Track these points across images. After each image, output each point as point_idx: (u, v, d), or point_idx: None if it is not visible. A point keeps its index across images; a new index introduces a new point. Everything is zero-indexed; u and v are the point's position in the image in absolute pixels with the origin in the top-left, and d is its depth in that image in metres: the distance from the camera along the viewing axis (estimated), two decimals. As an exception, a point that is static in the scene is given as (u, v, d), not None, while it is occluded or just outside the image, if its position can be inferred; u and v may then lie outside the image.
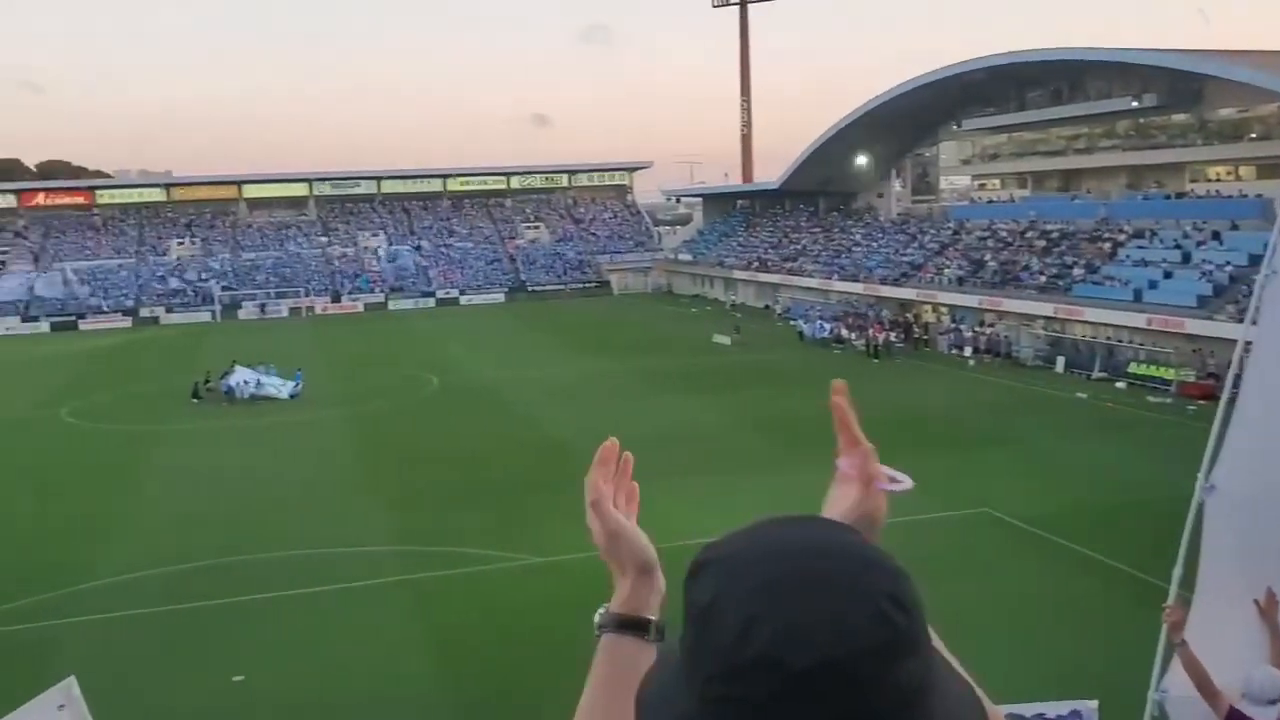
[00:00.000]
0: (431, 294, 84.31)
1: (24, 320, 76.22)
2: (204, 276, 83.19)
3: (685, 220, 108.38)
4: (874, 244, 66.86)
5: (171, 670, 16.98)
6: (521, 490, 27.00)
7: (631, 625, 1.53)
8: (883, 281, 59.79)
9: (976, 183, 70.68)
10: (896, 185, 75.28)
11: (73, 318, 76.95)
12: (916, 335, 53.02)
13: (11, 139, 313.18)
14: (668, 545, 1.83)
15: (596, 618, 1.52)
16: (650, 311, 73.12)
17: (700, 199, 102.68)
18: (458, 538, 23.17)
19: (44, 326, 75.70)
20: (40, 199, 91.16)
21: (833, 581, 1.03)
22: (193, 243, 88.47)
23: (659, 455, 30.28)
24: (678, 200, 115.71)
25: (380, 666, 16.95)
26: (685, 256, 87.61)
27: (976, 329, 50.11)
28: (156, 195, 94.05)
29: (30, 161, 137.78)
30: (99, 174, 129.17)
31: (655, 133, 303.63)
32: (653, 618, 1.53)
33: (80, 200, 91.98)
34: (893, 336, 51.43)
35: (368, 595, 20.14)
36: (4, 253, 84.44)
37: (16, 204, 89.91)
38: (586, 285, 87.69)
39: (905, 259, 61.54)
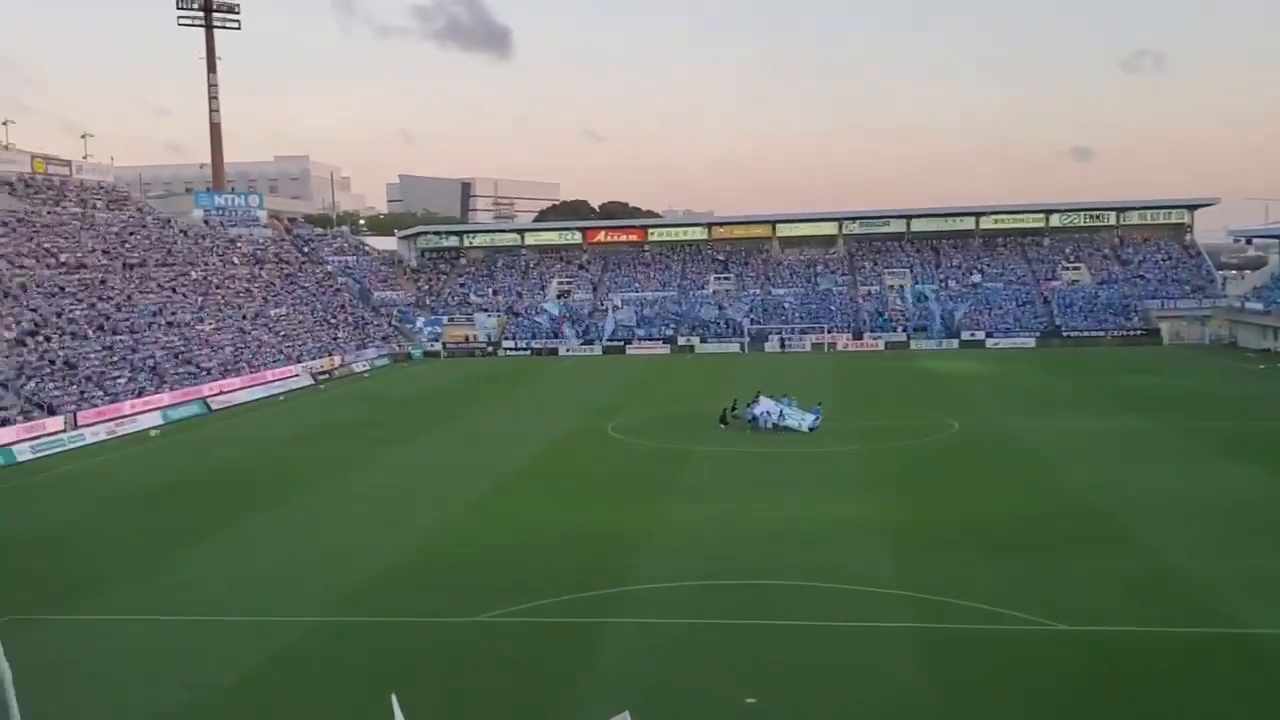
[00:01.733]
0: (955, 335, 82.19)
1: (583, 343, 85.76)
2: (735, 310, 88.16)
3: (1257, 264, 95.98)
4: None
5: (693, 682, 17.57)
6: (1045, 550, 24.97)
7: None
8: None
9: None
10: None
11: (621, 343, 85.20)
12: None
13: (581, 182, 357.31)
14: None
15: None
16: (1207, 365, 65.34)
17: (1277, 240, 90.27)
18: (972, 590, 21.85)
19: (597, 349, 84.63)
20: (601, 236, 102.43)
21: None
22: (728, 278, 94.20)
23: (1223, 532, 26.59)
24: (1248, 242, 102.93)
25: (887, 712, 16.26)
26: (1255, 305, 77.27)
27: None
28: (699, 234, 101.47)
29: (595, 202, 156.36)
30: (650, 214, 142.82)
31: (1220, 167, 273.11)
32: None
33: (634, 238, 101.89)
34: None
35: (876, 636, 19.56)
36: (570, 282, 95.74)
37: (582, 240, 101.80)
38: (1130, 333, 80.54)
39: None
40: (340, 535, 28.40)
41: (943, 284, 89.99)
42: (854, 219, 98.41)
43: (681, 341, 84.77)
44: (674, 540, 26.74)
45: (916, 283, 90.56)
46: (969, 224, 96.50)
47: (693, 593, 22.33)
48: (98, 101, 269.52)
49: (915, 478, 33.69)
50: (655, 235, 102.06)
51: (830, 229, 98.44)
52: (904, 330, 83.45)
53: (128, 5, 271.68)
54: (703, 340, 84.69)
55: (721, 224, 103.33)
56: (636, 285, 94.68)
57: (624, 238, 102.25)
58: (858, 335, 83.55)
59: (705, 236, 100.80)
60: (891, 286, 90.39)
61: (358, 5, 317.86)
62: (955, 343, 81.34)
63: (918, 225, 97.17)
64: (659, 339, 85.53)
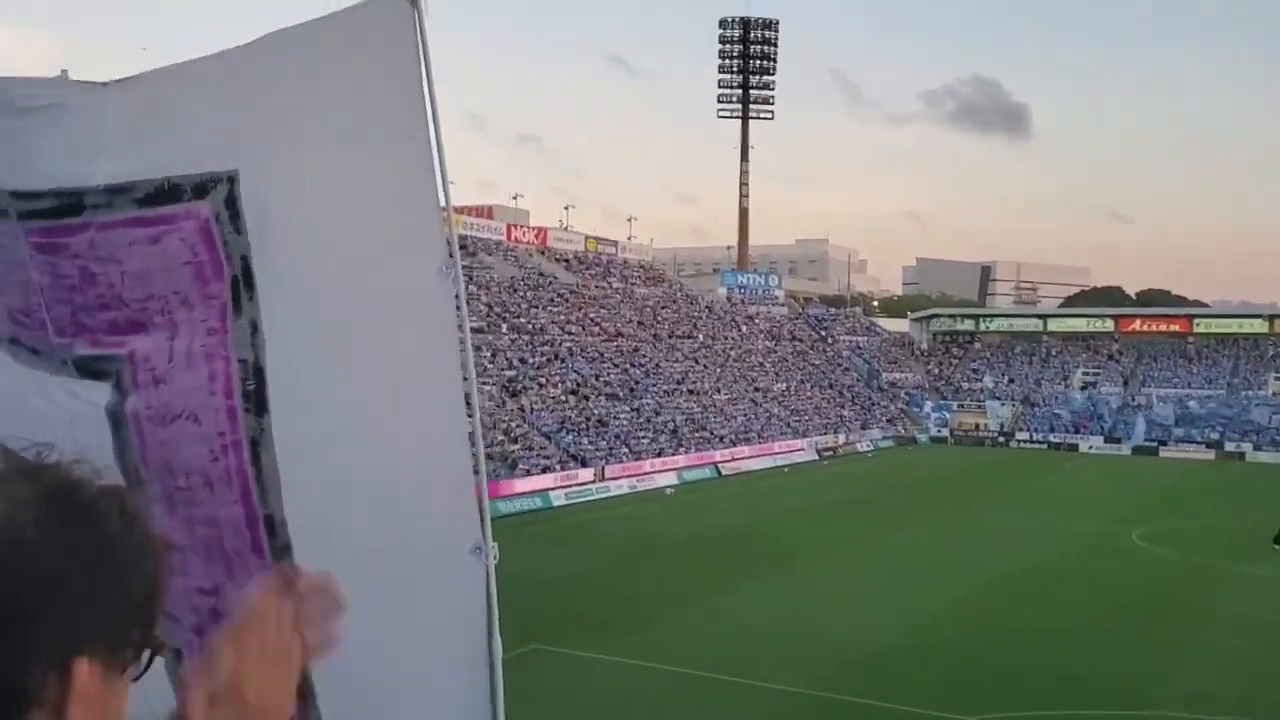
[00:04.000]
0: None
1: (1107, 440, 78.64)
2: (1300, 415, 76.24)
3: None
4: None
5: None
6: None
7: None
8: None
9: None
10: None
11: (1154, 444, 76.90)
12: None
13: (1114, 267, 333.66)
14: None
15: None
16: None
17: None
18: None
19: (1124, 449, 77.04)
20: (1136, 325, 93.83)
21: None
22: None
23: None
24: None
25: None
26: None
27: None
28: (1258, 326, 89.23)
29: (1131, 289, 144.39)
30: (1196, 303, 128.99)
31: None
32: None
33: (1176, 328, 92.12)
34: None
35: None
36: (1096, 373, 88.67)
37: (1113, 328, 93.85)
38: None
39: None
40: (832, 610, 27.89)
41: None
42: None
43: (1229, 447, 74.63)
44: (1203, 667, 23.09)
45: None
46: None
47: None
48: (632, 189, 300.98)
49: None
50: (1202, 326, 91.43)
51: None
52: None
53: (661, 104, 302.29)
54: (1256, 448, 73.90)
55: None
56: (1176, 381, 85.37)
57: (1164, 328, 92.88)
58: None
59: (1265, 330, 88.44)
60: None
61: (866, 94, 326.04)
62: None
63: None
64: (1201, 442, 76.11)
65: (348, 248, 2.92)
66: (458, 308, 3.12)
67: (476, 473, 3.19)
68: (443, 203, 3.14)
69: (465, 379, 3.16)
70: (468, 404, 3.24)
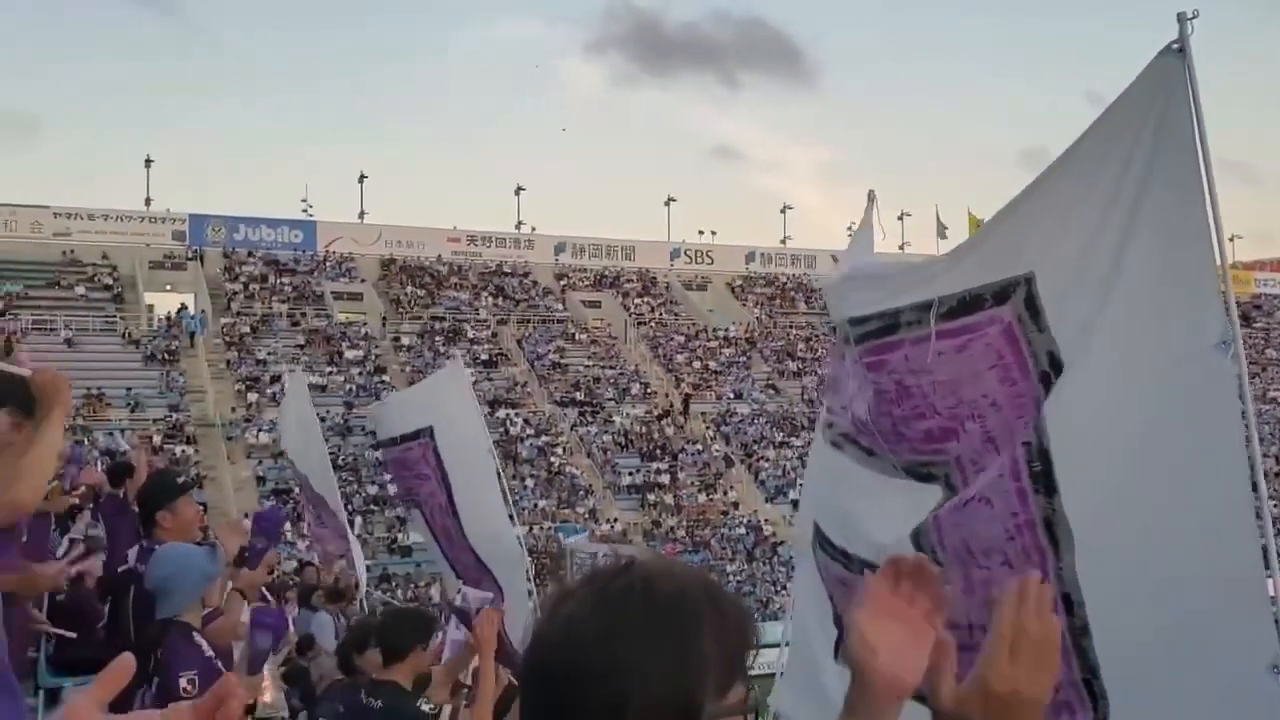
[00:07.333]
0: None
1: None
2: None
3: None
4: None
5: None
6: None
7: None
8: None
9: None
10: None
11: None
12: None
13: None
14: None
15: None
16: None
17: None
18: None
19: None
20: None
21: None
22: None
23: None
24: None
25: None
26: None
27: None
28: None
29: None
30: None
31: None
32: None
33: None
34: None
35: None
36: None
37: None
38: None
39: None
40: None
41: None
42: None
43: None
44: None
45: None
46: None
47: None
48: None
49: None
50: None
51: None
52: None
53: None
54: None
55: None
56: None
57: None
58: None
59: None
60: None
61: None
62: None
63: None
64: None
65: (1130, 326, 2.93)
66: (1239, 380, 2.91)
67: (1269, 573, 2.89)
68: (1219, 268, 2.98)
69: (1249, 457, 2.91)
70: (1255, 490, 2.98)
